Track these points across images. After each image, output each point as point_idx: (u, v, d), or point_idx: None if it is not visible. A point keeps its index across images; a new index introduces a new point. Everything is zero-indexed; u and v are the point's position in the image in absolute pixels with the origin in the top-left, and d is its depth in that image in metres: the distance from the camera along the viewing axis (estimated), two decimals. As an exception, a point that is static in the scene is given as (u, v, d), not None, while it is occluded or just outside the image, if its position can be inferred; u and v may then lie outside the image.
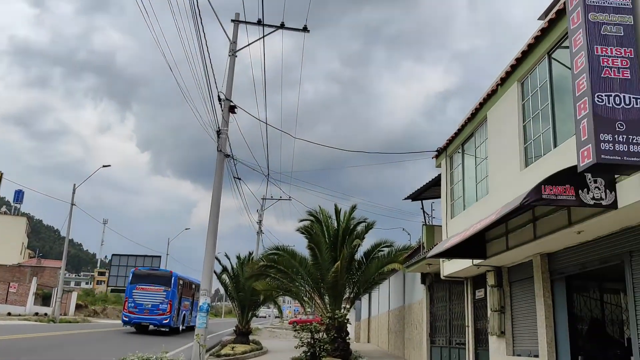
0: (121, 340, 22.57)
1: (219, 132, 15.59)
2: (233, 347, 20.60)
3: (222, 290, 30.79)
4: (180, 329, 29.01)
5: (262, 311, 79.20)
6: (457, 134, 13.79)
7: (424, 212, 19.69)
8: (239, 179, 25.47)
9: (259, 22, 16.85)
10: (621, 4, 7.03)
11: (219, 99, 15.70)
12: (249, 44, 17.11)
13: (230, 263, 25.79)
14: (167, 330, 27.45)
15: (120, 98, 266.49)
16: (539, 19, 11.78)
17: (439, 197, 15.64)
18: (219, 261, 24.82)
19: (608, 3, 7.02)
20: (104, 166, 40.41)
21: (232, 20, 16.93)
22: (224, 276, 25.73)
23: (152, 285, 26.99)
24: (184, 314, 30.00)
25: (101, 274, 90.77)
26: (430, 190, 18.13)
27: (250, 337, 25.62)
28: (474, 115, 12.60)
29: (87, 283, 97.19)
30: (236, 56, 16.56)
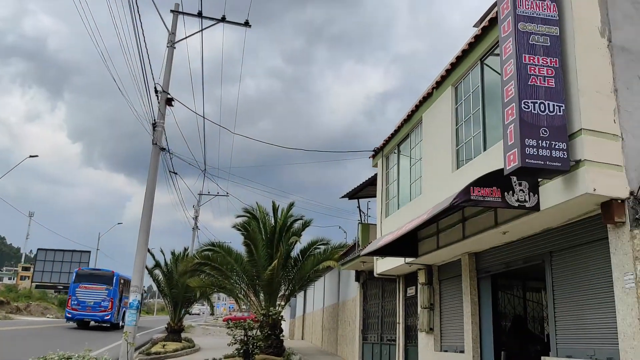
0: (51, 336, 21.55)
1: (154, 125, 15.18)
2: (164, 345, 20.16)
3: (155, 287, 30.21)
4: (121, 325, 29.47)
5: (196, 308, 77.92)
6: (393, 135, 14.06)
7: (360, 210, 19.96)
8: (175, 173, 24.91)
9: (199, 14, 16.54)
10: (548, 16, 7.38)
11: (156, 91, 15.30)
12: (187, 36, 16.84)
13: (165, 259, 25.25)
14: (109, 325, 28.41)
15: (51, 86, 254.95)
16: (474, 26, 12.20)
17: (375, 196, 15.90)
18: (153, 256, 24.28)
19: (536, 14, 7.34)
20: (31, 156, 38.55)
21: (172, 11, 16.52)
22: (157, 272, 25.16)
23: (94, 284, 28.27)
24: (124, 311, 29.95)
25: (25, 269, 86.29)
26: (367, 189, 18.39)
27: (183, 335, 25.18)
28: (410, 117, 12.88)
29: (10, 278, 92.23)
30: (175, 48, 16.17)
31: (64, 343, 14.57)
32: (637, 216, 6.73)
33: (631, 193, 6.80)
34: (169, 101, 15.54)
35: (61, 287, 61.38)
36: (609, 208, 6.83)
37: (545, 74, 7.11)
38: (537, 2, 7.40)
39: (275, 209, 20.07)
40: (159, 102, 15.30)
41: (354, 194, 19.60)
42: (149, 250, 22.55)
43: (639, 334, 6.40)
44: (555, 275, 8.41)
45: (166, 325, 24.97)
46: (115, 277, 28.86)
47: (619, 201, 6.80)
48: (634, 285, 6.55)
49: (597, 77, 7.15)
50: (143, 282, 15.27)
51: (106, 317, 27.90)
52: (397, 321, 14.82)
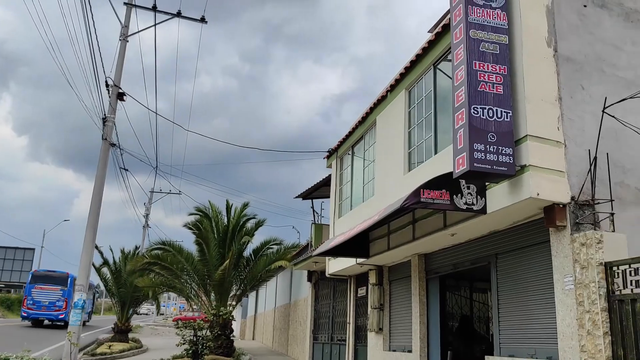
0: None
1: (104, 120, 14.79)
2: (110, 346, 19.62)
3: (102, 286, 29.61)
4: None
5: (145, 308, 76.22)
6: (348, 136, 14.15)
7: (313, 211, 20.00)
8: (126, 169, 24.41)
9: (154, 8, 16.21)
10: (498, 24, 7.58)
11: (107, 85, 14.90)
12: (140, 30, 16.43)
13: (113, 257, 24.59)
14: (63, 324, 28.94)
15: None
16: (428, 32, 12.44)
17: (329, 197, 15.96)
18: (102, 254, 23.63)
19: (487, 22, 7.54)
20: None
21: (125, 3, 16.12)
22: (105, 270, 24.50)
23: (49, 285, 29.72)
24: None
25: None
26: (321, 189, 18.45)
27: (130, 335, 24.61)
28: (364, 119, 13.00)
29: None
30: (128, 41, 15.79)
31: (14, 342, 13.96)
32: (577, 220, 7.00)
33: (572, 198, 7.06)
34: (121, 96, 15.15)
35: (2, 285, 58.85)
36: (551, 212, 7.08)
37: (494, 81, 7.31)
38: (488, 10, 7.60)
39: (228, 208, 19.87)
40: (109, 97, 14.90)
41: (308, 194, 19.62)
42: (97, 248, 21.97)
43: (577, 334, 6.66)
44: (500, 276, 8.65)
45: (113, 326, 24.36)
46: (70, 279, 29.57)
47: (561, 206, 7.05)
48: (573, 287, 6.81)
49: (542, 85, 7.40)
50: (89, 281, 14.82)
51: (60, 316, 29.11)
52: (348, 321, 14.93)
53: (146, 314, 79.77)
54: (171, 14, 16.55)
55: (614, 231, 7.01)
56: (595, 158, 7.18)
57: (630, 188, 7.58)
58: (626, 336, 6.23)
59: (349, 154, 14.39)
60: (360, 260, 12.43)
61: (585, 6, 8.11)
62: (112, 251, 24.74)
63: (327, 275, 15.22)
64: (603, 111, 7.24)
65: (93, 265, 18.38)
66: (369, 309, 12.83)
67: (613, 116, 7.35)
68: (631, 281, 6.26)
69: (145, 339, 25.84)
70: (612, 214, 7.08)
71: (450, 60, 8.25)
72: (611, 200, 7.15)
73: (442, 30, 9.28)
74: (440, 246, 10.23)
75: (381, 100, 12.08)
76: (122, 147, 17.03)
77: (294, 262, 18.60)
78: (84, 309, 13.88)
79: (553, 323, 7.19)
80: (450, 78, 8.05)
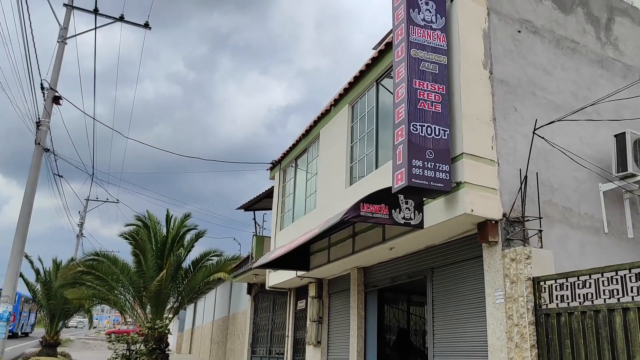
0: None
1: (38, 124, 14.20)
2: (36, 360, 18.72)
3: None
4: (19, 334, 36.48)
5: (76, 320, 73.12)
6: (291, 149, 14.18)
7: (255, 222, 19.85)
8: (60, 176, 23.52)
9: (95, 11, 15.76)
10: (438, 45, 7.83)
11: (42, 88, 14.35)
12: (79, 33, 15.95)
13: (43, 267, 23.52)
14: (11, 334, 28.58)
15: None
16: (373, 48, 12.70)
17: (272, 209, 15.89)
18: (32, 263, 22.57)
19: (428, 42, 7.77)
20: None
21: (65, 5, 15.62)
22: (34, 282, 23.42)
23: None
24: (22, 323, 38.45)
25: None
26: (264, 201, 18.36)
27: (60, 349, 23.55)
28: (308, 132, 13.07)
29: None
30: (66, 43, 15.28)
31: None
32: (507, 237, 7.27)
33: (504, 215, 7.34)
34: (57, 99, 14.60)
35: None
36: (484, 228, 7.33)
37: (433, 99, 7.52)
38: (429, 31, 7.83)
39: (168, 218, 19.41)
40: (44, 100, 14.34)
41: (250, 206, 19.47)
42: (26, 257, 20.95)
43: (506, 347, 6.89)
44: (435, 290, 8.85)
45: (41, 339, 23.25)
46: (17, 296, 29.39)
47: (493, 222, 7.31)
48: (503, 301, 7.05)
49: (478, 105, 7.68)
50: (16, 292, 14.11)
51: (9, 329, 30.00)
52: (287, 334, 14.84)
53: (75, 327, 76.49)
54: (113, 18, 16.13)
55: (541, 247, 7.33)
56: (525, 177, 7.50)
57: (557, 206, 7.95)
58: (551, 349, 6.52)
59: (292, 167, 14.40)
60: (300, 273, 12.42)
61: (519, 32, 8.50)
62: (41, 261, 23.70)
63: (267, 287, 15.11)
64: (534, 132, 7.59)
65: (21, 275, 17.52)
66: (308, 322, 12.81)
67: (543, 137, 7.71)
68: (557, 296, 6.57)
69: (75, 353, 24.78)
70: (540, 231, 7.40)
71: (392, 77, 8.45)
72: (539, 218, 7.48)
73: (385, 48, 9.49)
74: (379, 260, 10.37)
75: (325, 114, 12.19)
76: (56, 153, 16.44)
77: (234, 275, 18.36)
78: (8, 321, 13.17)
79: (484, 336, 7.41)
80: (392, 94, 8.23)
